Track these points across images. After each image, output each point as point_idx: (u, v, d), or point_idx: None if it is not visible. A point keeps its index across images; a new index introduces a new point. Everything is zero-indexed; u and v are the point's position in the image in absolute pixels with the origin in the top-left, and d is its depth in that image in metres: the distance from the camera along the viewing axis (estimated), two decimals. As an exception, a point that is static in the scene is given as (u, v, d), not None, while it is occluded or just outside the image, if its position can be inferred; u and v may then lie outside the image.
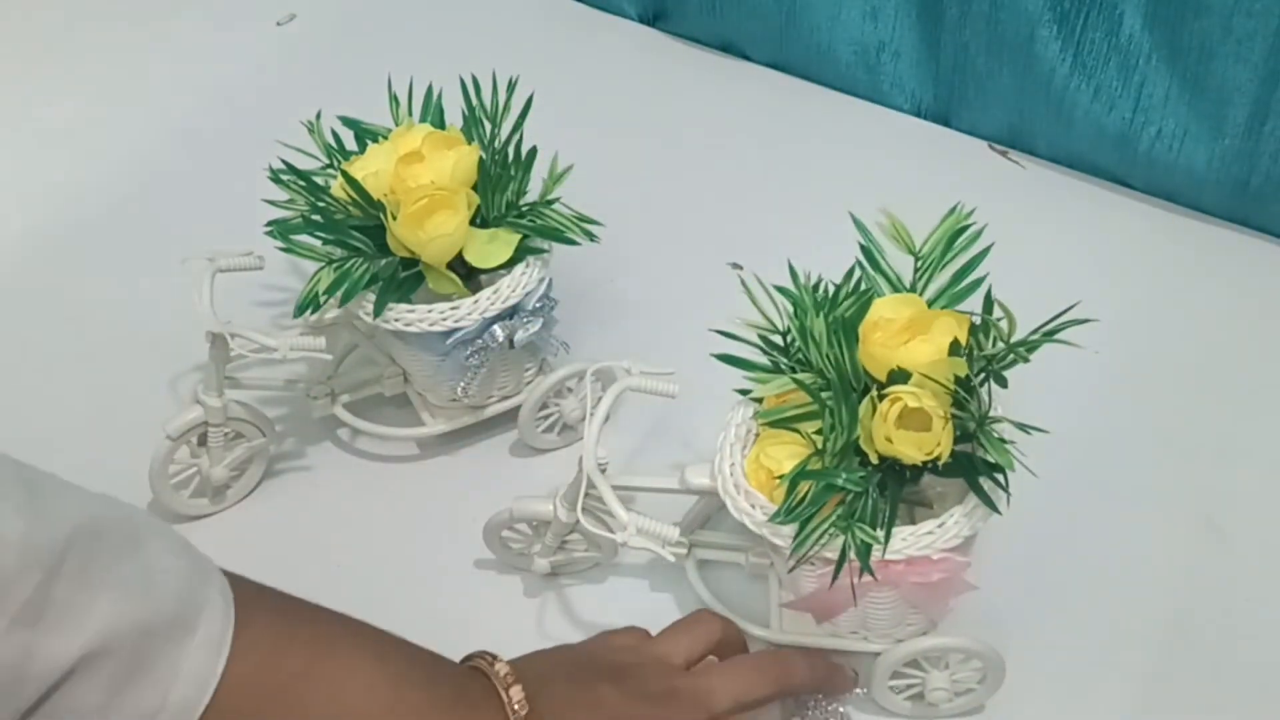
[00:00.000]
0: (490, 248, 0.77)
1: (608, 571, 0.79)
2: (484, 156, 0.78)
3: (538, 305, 0.78)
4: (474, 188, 0.77)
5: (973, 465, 0.64)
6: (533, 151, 0.78)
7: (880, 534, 0.63)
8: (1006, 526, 0.67)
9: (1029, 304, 0.64)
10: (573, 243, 0.78)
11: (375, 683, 0.59)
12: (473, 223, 0.76)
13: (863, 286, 0.69)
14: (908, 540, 0.63)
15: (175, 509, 0.81)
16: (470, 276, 0.78)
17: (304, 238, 0.77)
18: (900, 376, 0.63)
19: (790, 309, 0.69)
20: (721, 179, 1.04)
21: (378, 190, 0.76)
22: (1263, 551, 0.79)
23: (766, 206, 1.01)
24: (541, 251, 0.78)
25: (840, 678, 0.71)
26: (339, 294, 0.75)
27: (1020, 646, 0.71)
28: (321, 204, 0.77)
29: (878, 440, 0.63)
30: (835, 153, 1.06)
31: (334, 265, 0.76)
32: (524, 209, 0.78)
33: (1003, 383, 0.65)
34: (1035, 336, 0.63)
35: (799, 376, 0.67)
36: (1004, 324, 0.63)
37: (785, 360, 0.69)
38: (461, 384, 0.79)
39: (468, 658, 0.65)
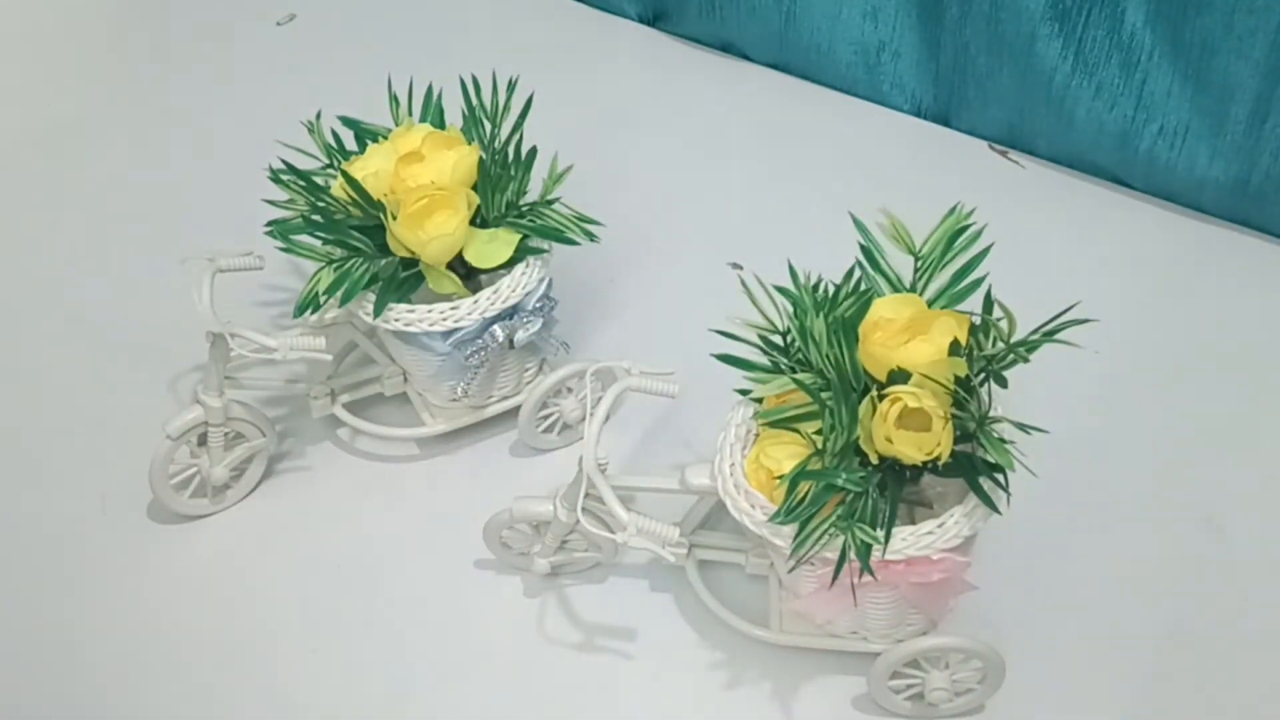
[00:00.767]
0: (490, 248, 0.77)
1: (608, 571, 0.79)
2: (484, 156, 0.78)
3: (538, 305, 0.78)
4: (474, 188, 0.77)
5: (973, 465, 0.64)
6: (533, 151, 0.78)
7: (880, 534, 0.63)
8: (1006, 526, 0.67)
9: (1029, 304, 0.64)
10: (573, 243, 0.78)
11: None
12: (473, 223, 0.76)
13: (863, 286, 0.69)
14: (908, 540, 0.63)
15: (175, 509, 0.81)
16: (470, 276, 0.78)
17: (304, 238, 0.77)
18: (900, 376, 0.63)
19: (790, 309, 0.69)
20: (721, 179, 1.04)
21: (378, 190, 0.76)
22: (1263, 551, 0.79)
23: (766, 206, 1.01)
24: (541, 251, 0.78)
25: None
26: (339, 294, 0.75)
27: (1020, 646, 0.71)
28: (321, 204, 0.77)
29: (878, 440, 0.63)
30: (835, 153, 1.06)
31: (334, 265, 0.76)
32: (524, 209, 0.78)
33: (1003, 383, 0.65)
34: (1035, 336, 0.63)
35: (799, 376, 0.67)
36: (1004, 324, 0.63)
37: (785, 360, 0.69)
38: (462, 384, 0.79)
39: None
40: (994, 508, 0.64)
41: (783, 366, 0.68)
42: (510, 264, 0.77)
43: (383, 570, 0.80)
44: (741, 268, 0.94)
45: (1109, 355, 0.86)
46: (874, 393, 0.64)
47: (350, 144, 0.81)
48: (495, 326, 0.77)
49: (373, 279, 0.76)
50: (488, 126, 0.80)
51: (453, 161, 0.76)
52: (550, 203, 0.79)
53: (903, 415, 0.62)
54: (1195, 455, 0.84)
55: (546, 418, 0.83)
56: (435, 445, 0.86)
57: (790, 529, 0.64)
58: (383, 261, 0.76)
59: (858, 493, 0.63)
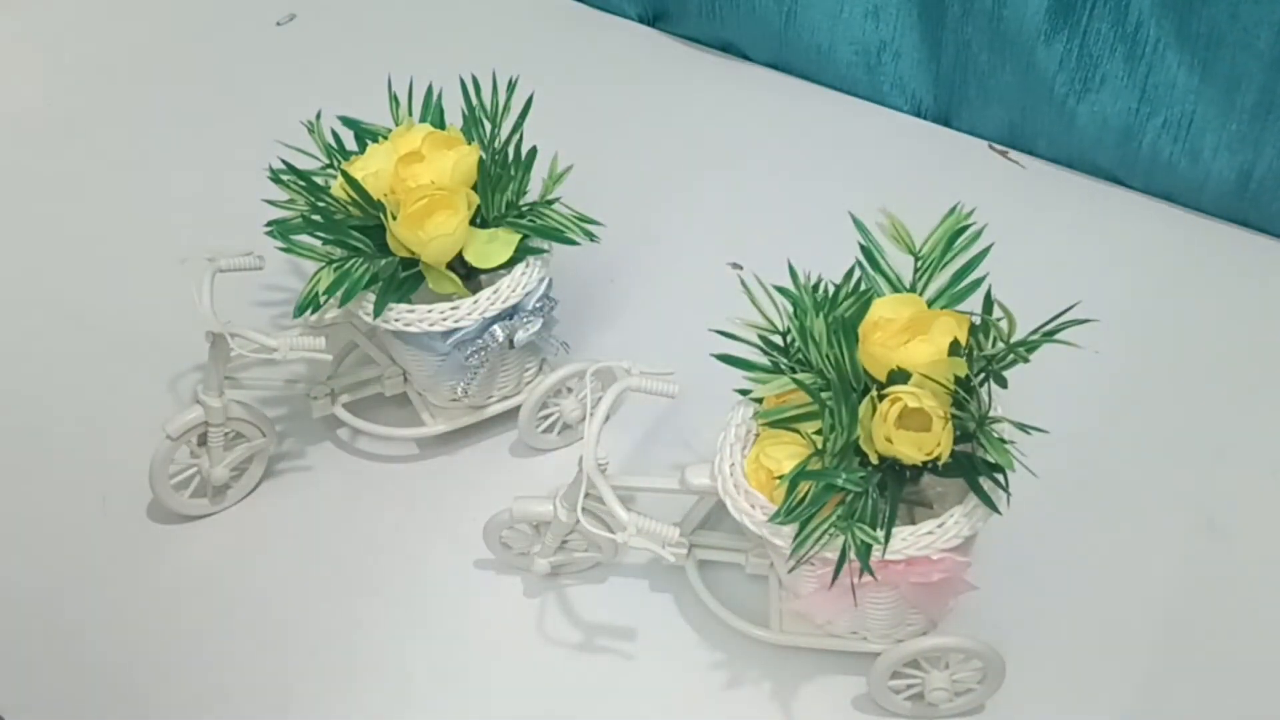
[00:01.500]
0: (490, 248, 0.77)
1: (608, 571, 0.79)
2: (484, 156, 0.78)
3: (537, 305, 0.78)
4: (474, 188, 0.77)
5: (973, 465, 0.64)
6: (532, 151, 0.78)
7: (880, 534, 0.63)
8: (1006, 526, 0.67)
9: (1029, 304, 0.64)
10: (573, 243, 0.78)
11: None
12: (473, 223, 0.76)
13: (863, 286, 0.69)
14: (908, 540, 0.63)
15: (175, 509, 0.81)
16: (470, 276, 0.78)
17: (304, 238, 0.77)
18: (900, 376, 0.63)
19: (790, 309, 0.69)
20: (721, 179, 1.04)
21: (378, 190, 0.76)
22: (1263, 551, 0.79)
23: (766, 206, 1.01)
24: (541, 251, 0.78)
25: None
26: (339, 294, 0.75)
27: (1020, 646, 0.71)
28: (321, 204, 0.77)
29: (878, 440, 0.63)
30: (835, 153, 1.06)
31: (334, 265, 0.76)
32: (524, 209, 0.78)
33: (1003, 383, 0.65)
34: (1035, 336, 0.63)
35: (799, 376, 0.67)
36: (1004, 324, 0.63)
37: (785, 360, 0.69)
38: (462, 384, 0.79)
39: None
40: (994, 508, 0.64)
41: (783, 366, 0.68)
42: (510, 264, 0.77)
43: (383, 570, 0.80)
44: (741, 268, 0.94)
45: (1109, 355, 0.86)
46: (874, 393, 0.64)
47: (350, 144, 0.81)
48: (495, 326, 0.77)
49: (373, 279, 0.76)
50: (487, 126, 0.80)
51: (453, 161, 0.76)
52: (550, 203, 0.79)
53: (903, 415, 0.62)
54: (1196, 455, 0.84)
55: (546, 418, 0.83)
56: (435, 445, 0.86)
57: (790, 529, 0.64)
58: (383, 261, 0.76)
59: (858, 493, 0.63)
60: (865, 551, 0.62)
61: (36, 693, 0.74)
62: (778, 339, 0.69)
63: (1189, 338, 0.91)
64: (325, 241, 0.77)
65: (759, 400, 0.69)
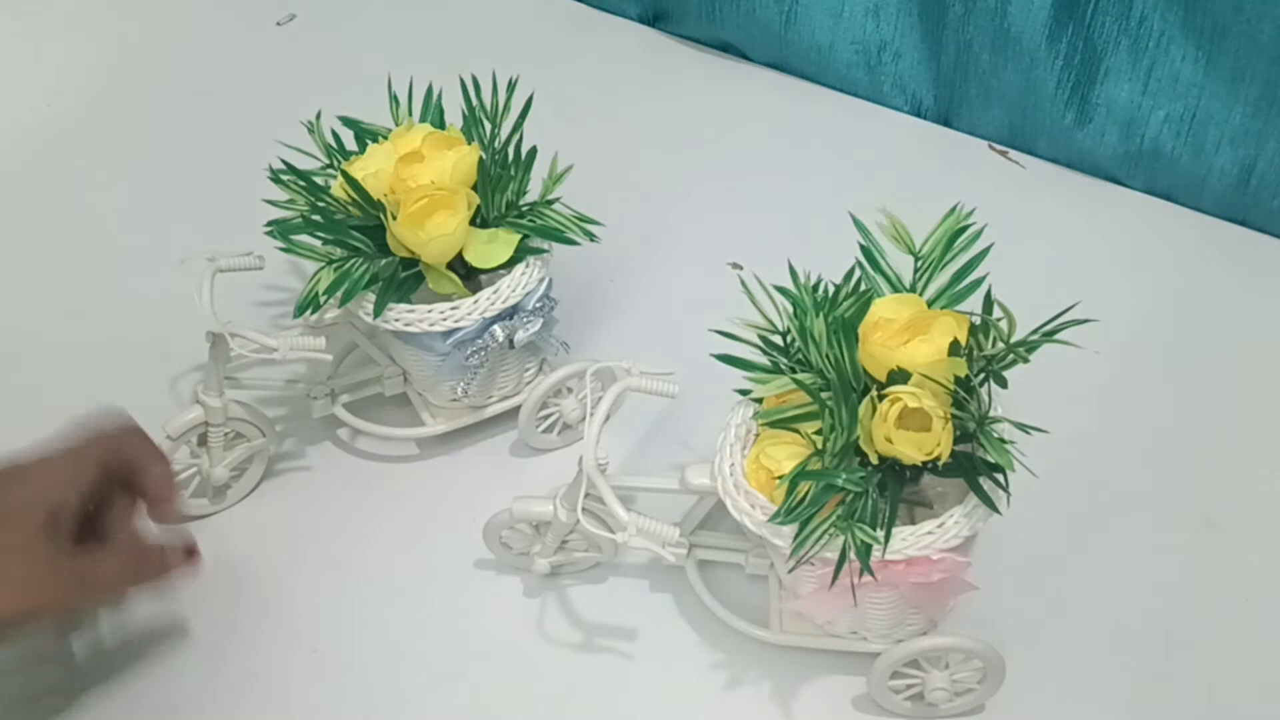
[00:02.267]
0: (490, 248, 0.77)
1: (608, 571, 0.79)
2: (484, 156, 0.78)
3: (537, 305, 0.78)
4: (474, 188, 0.77)
5: (973, 465, 0.64)
6: (532, 151, 0.78)
7: (880, 534, 0.63)
8: (1006, 526, 0.67)
9: (1029, 304, 0.64)
10: (573, 243, 0.78)
11: None
12: (472, 223, 0.76)
13: (863, 286, 0.69)
14: (908, 540, 0.63)
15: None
16: (470, 276, 0.78)
17: (304, 238, 0.77)
18: (900, 376, 0.63)
19: (790, 309, 0.69)
20: (721, 179, 1.04)
21: (377, 190, 0.76)
22: (1263, 551, 0.79)
23: (766, 206, 1.01)
24: (541, 251, 0.78)
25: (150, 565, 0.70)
26: (339, 294, 0.75)
27: (1020, 646, 0.72)
28: (321, 204, 0.77)
29: (878, 440, 0.63)
30: (835, 153, 1.06)
31: (334, 265, 0.76)
32: (524, 209, 0.78)
33: (1003, 383, 0.65)
34: (1035, 336, 0.63)
35: (799, 376, 0.67)
36: (1004, 324, 0.63)
37: (785, 360, 0.69)
38: (462, 384, 0.79)
39: None
40: (994, 508, 0.64)
41: (783, 366, 0.68)
42: (510, 264, 0.77)
43: (382, 570, 0.80)
44: (741, 268, 0.94)
45: (1109, 355, 0.86)
46: (874, 393, 0.64)
47: (351, 144, 0.81)
48: (495, 326, 0.77)
49: (373, 279, 0.76)
50: (487, 126, 0.80)
51: (453, 161, 0.76)
52: (550, 203, 0.79)
53: (903, 415, 0.62)
54: (1196, 455, 0.84)
55: (546, 418, 0.83)
56: (435, 445, 0.86)
57: (790, 529, 0.64)
58: (383, 261, 0.76)
59: (858, 493, 0.63)
60: (865, 551, 0.62)
61: (31, 694, 0.74)
62: (778, 339, 0.69)
63: (1189, 338, 0.91)
64: (325, 242, 0.77)
65: (759, 400, 0.69)
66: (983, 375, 0.64)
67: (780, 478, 0.65)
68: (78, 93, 1.16)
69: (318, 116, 0.81)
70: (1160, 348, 0.90)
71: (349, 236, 0.76)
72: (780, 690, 0.73)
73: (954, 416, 0.63)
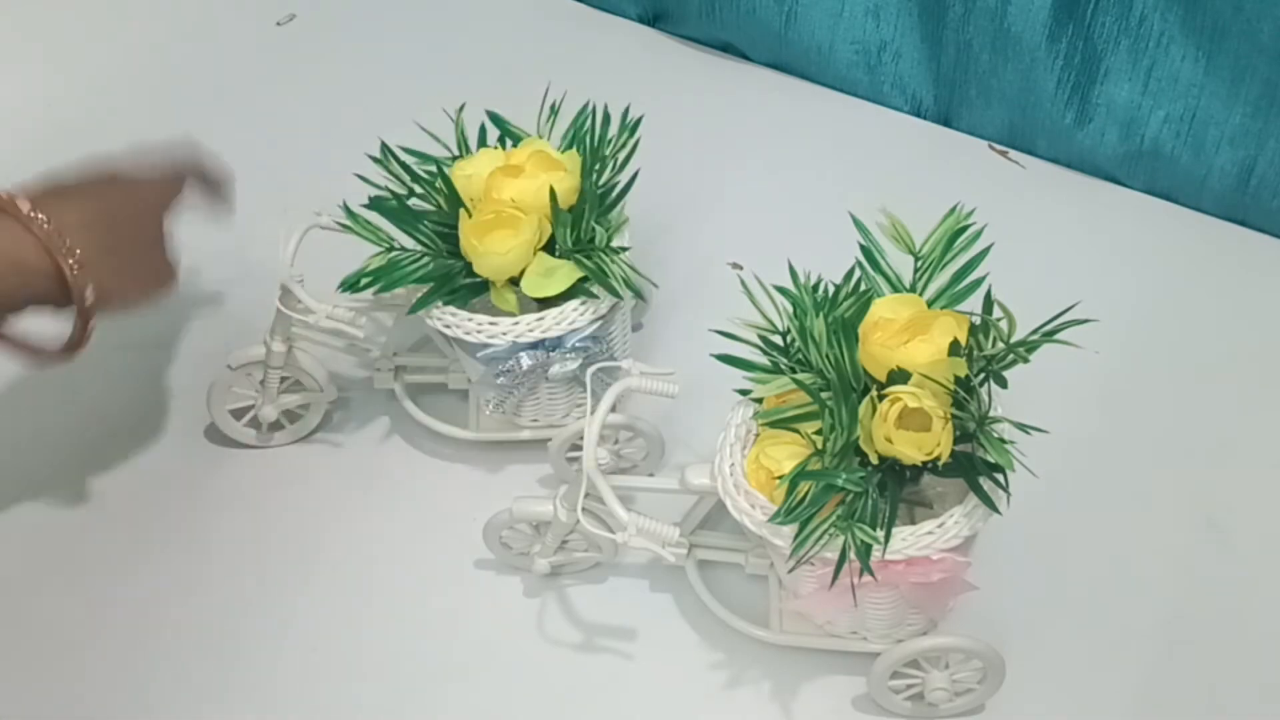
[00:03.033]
0: (544, 279, 0.75)
1: (608, 571, 0.79)
2: (585, 189, 0.76)
3: (579, 345, 0.76)
4: (553, 216, 0.75)
5: (973, 465, 0.64)
6: (621, 194, 0.77)
7: (880, 534, 0.63)
8: (1006, 526, 0.67)
9: (1029, 304, 0.64)
10: (615, 294, 0.76)
11: None
12: (548, 249, 0.75)
13: (863, 286, 0.69)
14: (908, 540, 0.63)
15: (225, 430, 0.85)
16: (544, 303, 0.76)
17: (377, 216, 0.77)
18: (900, 376, 0.63)
19: (790, 309, 0.69)
20: (721, 179, 1.04)
21: (469, 192, 0.75)
22: (1263, 551, 0.79)
23: (766, 206, 1.01)
24: (590, 295, 0.76)
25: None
26: (380, 283, 0.74)
27: (1020, 646, 0.72)
28: (407, 192, 0.76)
29: (878, 440, 0.63)
30: (835, 153, 1.06)
31: (387, 252, 0.75)
32: (592, 248, 0.76)
33: (1003, 383, 0.65)
34: (1035, 337, 0.63)
35: (799, 376, 0.67)
36: (1004, 324, 0.63)
37: (785, 360, 0.69)
38: (494, 399, 0.79)
39: None
40: (994, 508, 0.64)
41: (783, 366, 0.68)
42: (566, 297, 0.76)
43: (382, 570, 0.80)
44: (741, 268, 0.94)
45: (1109, 355, 0.86)
46: (874, 393, 0.64)
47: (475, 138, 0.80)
48: (523, 354, 0.76)
49: (424, 277, 0.75)
50: (595, 160, 0.78)
51: (540, 184, 0.74)
52: (619, 251, 0.76)
53: (903, 415, 0.62)
54: (1196, 455, 0.84)
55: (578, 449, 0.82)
56: (435, 445, 0.86)
57: (790, 529, 0.64)
58: (444, 262, 0.75)
59: (858, 493, 0.63)
60: (865, 551, 0.62)
61: (30, 689, 0.74)
62: (778, 339, 0.69)
63: (1189, 338, 0.91)
64: (403, 230, 0.76)
65: (759, 400, 0.69)
66: (983, 375, 0.64)
67: (780, 478, 0.65)
68: (78, 93, 1.16)
69: (461, 109, 0.80)
70: (1160, 348, 0.90)
71: (417, 229, 0.75)
72: (780, 690, 0.73)
73: (954, 416, 0.63)
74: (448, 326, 0.76)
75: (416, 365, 0.85)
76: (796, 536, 0.63)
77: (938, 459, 0.63)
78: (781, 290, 0.69)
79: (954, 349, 0.63)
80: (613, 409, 0.69)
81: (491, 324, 0.75)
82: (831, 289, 0.69)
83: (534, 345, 0.75)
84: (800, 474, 0.64)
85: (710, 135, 1.08)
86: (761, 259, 0.75)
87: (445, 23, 1.20)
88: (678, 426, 0.84)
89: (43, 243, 0.66)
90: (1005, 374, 0.64)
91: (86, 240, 0.68)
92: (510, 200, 0.74)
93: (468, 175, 0.76)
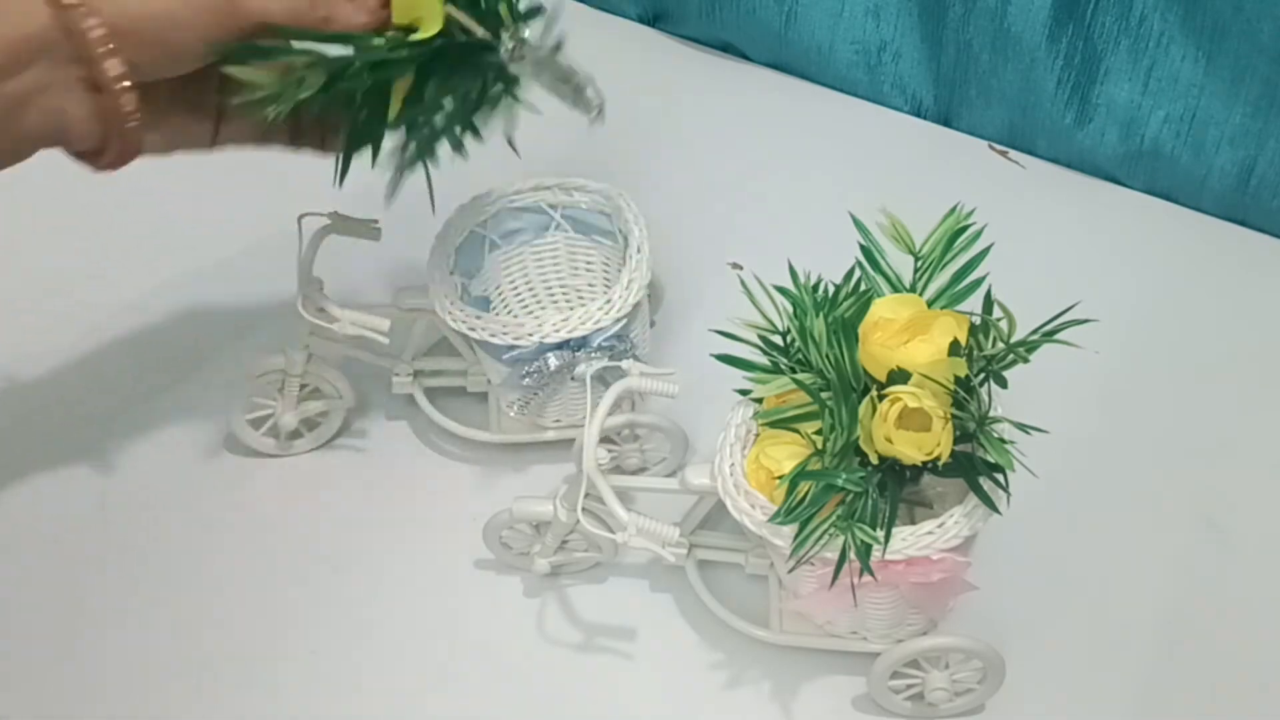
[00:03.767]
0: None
1: (608, 571, 0.79)
2: None
3: (605, 344, 0.76)
4: None
5: (973, 465, 0.64)
6: None
7: (880, 534, 0.63)
8: (1006, 526, 0.67)
9: (1029, 304, 0.64)
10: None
11: None
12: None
13: (862, 286, 0.69)
14: (908, 540, 0.64)
15: (244, 439, 0.84)
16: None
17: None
18: (900, 376, 0.63)
19: (790, 309, 0.69)
20: (721, 179, 1.04)
21: None
22: (1263, 551, 0.79)
23: (766, 206, 1.01)
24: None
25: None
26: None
27: (1020, 646, 0.72)
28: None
29: (878, 440, 0.63)
30: (835, 153, 1.06)
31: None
32: None
33: (1003, 383, 0.65)
34: (1035, 337, 0.63)
35: (799, 377, 0.67)
36: (1004, 324, 0.63)
37: (785, 360, 0.69)
38: (518, 401, 0.79)
39: None
40: (994, 508, 0.64)
41: (783, 366, 0.68)
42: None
43: (382, 570, 0.80)
44: (741, 268, 0.94)
45: (1109, 355, 0.86)
46: (874, 393, 0.64)
47: None
48: (551, 355, 0.75)
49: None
50: None
51: None
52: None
53: (903, 415, 0.62)
54: (1196, 455, 0.84)
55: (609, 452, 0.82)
56: (434, 446, 0.86)
57: (790, 529, 0.64)
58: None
59: (858, 493, 0.63)
60: (865, 551, 0.62)
61: (34, 690, 0.74)
62: (778, 339, 0.69)
63: (1189, 338, 0.91)
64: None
65: (759, 400, 0.69)
66: (983, 375, 0.64)
67: (780, 478, 0.65)
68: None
69: None
70: (1160, 348, 0.90)
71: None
72: (780, 690, 0.73)
73: (954, 416, 0.63)
74: (472, 330, 0.75)
75: (435, 369, 0.85)
76: (796, 536, 0.63)
77: (938, 459, 0.63)
78: (781, 290, 0.69)
79: (954, 349, 0.63)
80: (614, 409, 0.69)
81: (518, 324, 0.75)
82: (831, 289, 0.69)
83: (560, 345, 0.76)
84: (800, 474, 0.64)
85: (710, 135, 1.08)
86: (761, 259, 0.75)
87: (445, 23, 1.20)
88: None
89: None
90: (1005, 374, 0.64)
91: None
92: None
93: None
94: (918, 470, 0.65)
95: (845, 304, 0.69)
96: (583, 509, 0.68)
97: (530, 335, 0.75)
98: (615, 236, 0.83)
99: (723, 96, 1.12)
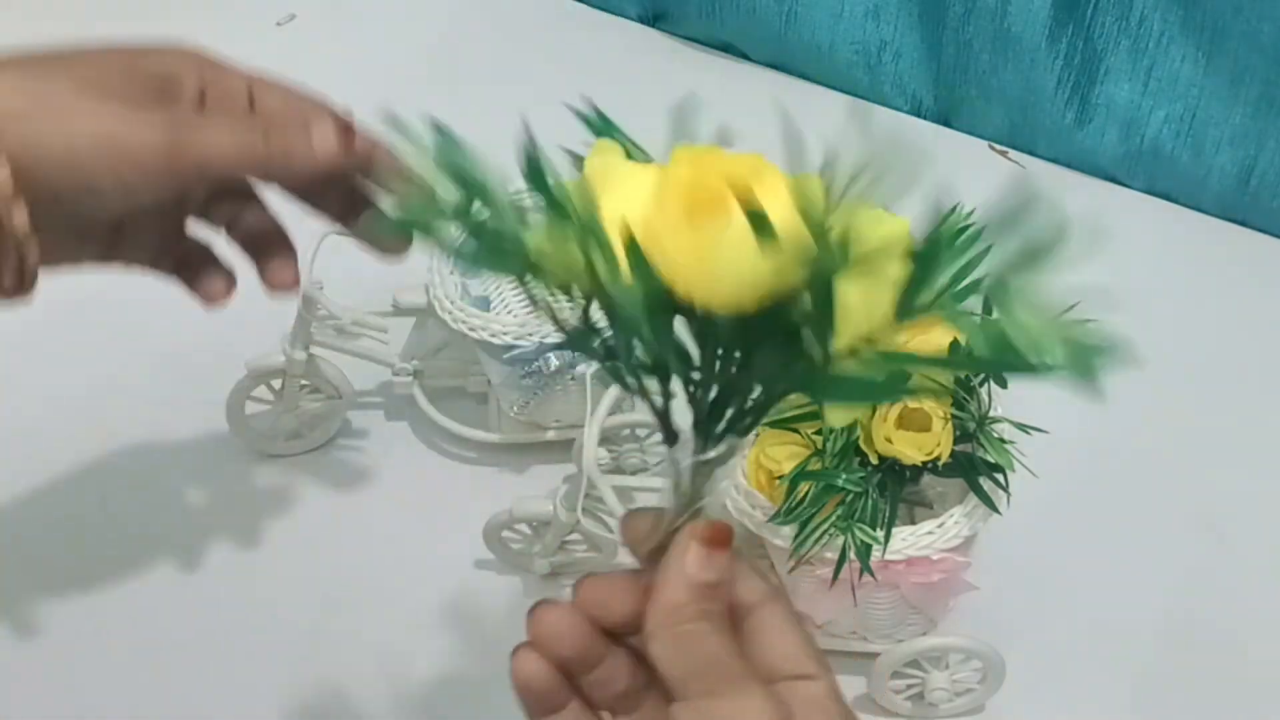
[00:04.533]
0: None
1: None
2: None
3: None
4: None
5: (973, 465, 0.64)
6: None
7: (880, 534, 0.63)
8: (1006, 526, 0.67)
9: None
10: None
11: None
12: None
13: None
14: (908, 540, 0.64)
15: (243, 439, 0.84)
16: None
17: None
18: (900, 376, 0.63)
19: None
20: (721, 179, 1.04)
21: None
22: (1263, 552, 0.79)
23: (766, 206, 1.01)
24: None
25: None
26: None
27: (1020, 646, 0.71)
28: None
29: (878, 440, 0.63)
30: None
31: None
32: None
33: (1003, 383, 0.65)
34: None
35: (799, 377, 0.67)
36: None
37: (785, 360, 0.68)
38: (518, 401, 0.79)
39: None
40: (994, 508, 0.64)
41: (783, 366, 0.68)
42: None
43: (382, 570, 0.80)
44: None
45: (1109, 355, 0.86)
46: (874, 393, 0.63)
47: None
48: (550, 355, 0.76)
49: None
50: None
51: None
52: None
53: (903, 415, 0.62)
54: (1196, 455, 0.84)
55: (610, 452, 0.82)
56: (434, 445, 0.86)
57: (790, 529, 0.64)
58: None
59: (858, 493, 0.63)
60: (865, 551, 0.62)
61: (30, 694, 0.74)
62: (777, 339, 0.69)
63: (1189, 338, 0.91)
64: None
65: (759, 400, 0.69)
66: (983, 375, 0.64)
67: (780, 478, 0.65)
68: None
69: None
70: (1159, 348, 0.90)
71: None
72: (780, 690, 0.73)
73: (954, 416, 0.63)
74: (472, 330, 0.75)
75: (435, 369, 0.85)
76: (796, 536, 0.63)
77: (938, 459, 0.63)
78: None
79: (954, 349, 0.63)
80: (614, 409, 0.69)
81: (518, 324, 0.75)
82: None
83: (560, 345, 0.76)
84: (800, 474, 0.64)
85: (710, 135, 1.08)
86: (761, 259, 0.75)
87: (445, 23, 1.20)
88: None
89: None
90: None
91: None
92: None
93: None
94: (918, 470, 0.64)
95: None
96: (583, 509, 0.68)
97: (530, 335, 0.75)
98: (615, 236, 0.82)
99: (723, 96, 1.12)
